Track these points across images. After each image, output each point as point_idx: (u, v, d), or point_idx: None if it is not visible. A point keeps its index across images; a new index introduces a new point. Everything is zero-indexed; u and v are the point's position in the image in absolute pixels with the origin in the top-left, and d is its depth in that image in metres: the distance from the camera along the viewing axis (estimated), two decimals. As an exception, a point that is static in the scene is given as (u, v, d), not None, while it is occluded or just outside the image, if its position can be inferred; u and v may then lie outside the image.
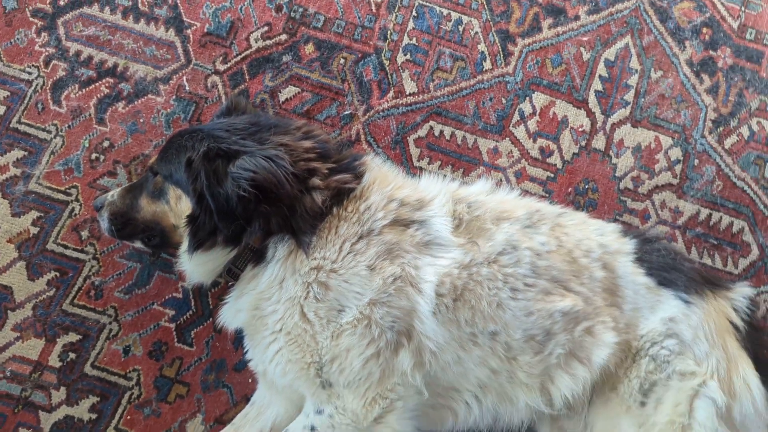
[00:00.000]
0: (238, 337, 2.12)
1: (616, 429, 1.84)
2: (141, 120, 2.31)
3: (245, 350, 1.96)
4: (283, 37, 2.43)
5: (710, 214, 2.45)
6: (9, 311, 2.09)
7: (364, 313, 1.69)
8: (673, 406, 1.78)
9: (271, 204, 1.70)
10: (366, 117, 2.41)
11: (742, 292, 1.97)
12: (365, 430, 1.73)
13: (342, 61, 2.44)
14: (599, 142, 2.48)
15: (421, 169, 2.27)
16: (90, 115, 2.30)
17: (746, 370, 1.84)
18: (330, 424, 1.73)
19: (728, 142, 2.51)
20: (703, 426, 1.75)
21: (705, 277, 1.99)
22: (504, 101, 2.47)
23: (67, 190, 2.22)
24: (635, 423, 1.81)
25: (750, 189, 2.48)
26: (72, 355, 2.07)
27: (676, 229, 2.41)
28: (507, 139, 2.44)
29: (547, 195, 2.37)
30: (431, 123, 2.42)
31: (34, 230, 2.17)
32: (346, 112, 2.40)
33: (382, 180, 1.88)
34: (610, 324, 1.83)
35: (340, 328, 1.70)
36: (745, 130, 2.53)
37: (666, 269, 1.92)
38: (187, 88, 2.36)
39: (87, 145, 2.27)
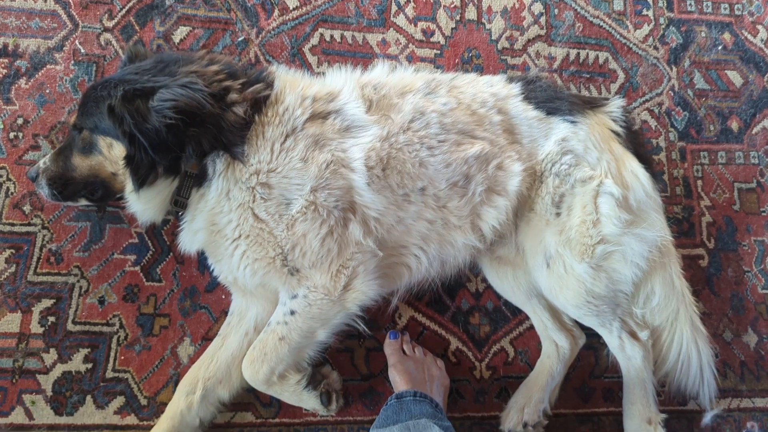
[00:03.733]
0: (201, 261, 2.26)
1: (541, 242, 2.11)
2: (47, 91, 2.35)
3: (211, 270, 2.10)
4: (161, -19, 2.51)
5: (578, 53, 2.77)
6: (-24, 297, 2.15)
7: (309, 200, 1.84)
8: (581, 208, 2.05)
9: (198, 126, 1.79)
10: (259, 39, 2.54)
11: (616, 104, 2.23)
12: (338, 299, 1.91)
13: (222, -8, 2.55)
14: (471, 13, 2.73)
15: (322, 73, 2.42)
16: (-5, 98, 2.32)
17: (632, 164, 2.13)
18: (306, 303, 1.91)
19: (578, -13, 2.84)
20: (608, 216, 2.03)
21: (583, 99, 2.26)
22: (379, -4, 2.67)
23: (-4, 173, 2.26)
24: (556, 231, 2.07)
25: (605, 23, 2.82)
26: (51, 319, 2.15)
27: (553, 73, 2.71)
28: (391, 29, 2.65)
29: (438, 70, 2.59)
30: (320, 30, 2.59)
31: (-25, 218, 2.21)
32: (240, 39, 2.52)
33: (292, 83, 2.01)
34: (515, 157, 2.06)
35: (292, 219, 1.85)
36: (589, -27, 2.85)
37: (550, 100, 2.16)
38: (82, 50, 2.41)
39: (1, 126, 2.29)
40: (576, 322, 2.33)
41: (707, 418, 2.37)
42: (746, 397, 2.46)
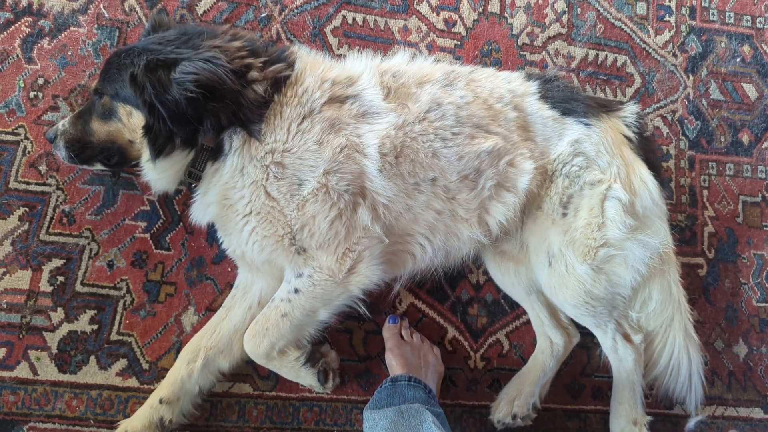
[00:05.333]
0: (210, 233, 2.30)
1: (546, 240, 2.15)
2: (69, 53, 2.36)
3: (220, 242, 2.12)
4: (188, -49, 2.50)
5: (597, 54, 2.77)
6: (-11, 251, 2.18)
7: (322, 182, 1.87)
8: (588, 210, 2.08)
9: (217, 101, 1.81)
10: (282, 16, 2.55)
11: (631, 109, 2.25)
12: (342, 281, 1.94)
13: (248, -34, 2.55)
14: (494, 6, 2.73)
15: (342, 56, 2.41)
16: (17, 56, 2.33)
17: (641, 171, 2.16)
18: (311, 283, 1.94)
19: (603, -12, 2.84)
20: (614, 221, 2.06)
21: (599, 102, 2.27)
22: (404, -18, 2.67)
23: (15, 131, 2.27)
24: (561, 231, 2.11)
25: (626, 26, 2.83)
26: (60, 279, 2.19)
27: (570, 72, 2.72)
28: (413, 16, 2.65)
29: (457, 61, 2.61)
30: (343, 12, 2.60)
31: (-8, 174, 2.24)
32: (263, 15, 2.53)
33: (313, 65, 2.02)
34: (527, 155, 2.09)
35: (303, 199, 1.88)
36: (615, -25, 2.86)
37: (566, 101, 2.18)
38: (106, 15, 2.41)
39: (22, 85, 2.31)
40: (572, 320, 2.37)
41: (691, 424, 2.43)
42: (731, 406, 2.51)
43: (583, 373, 2.45)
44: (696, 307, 2.56)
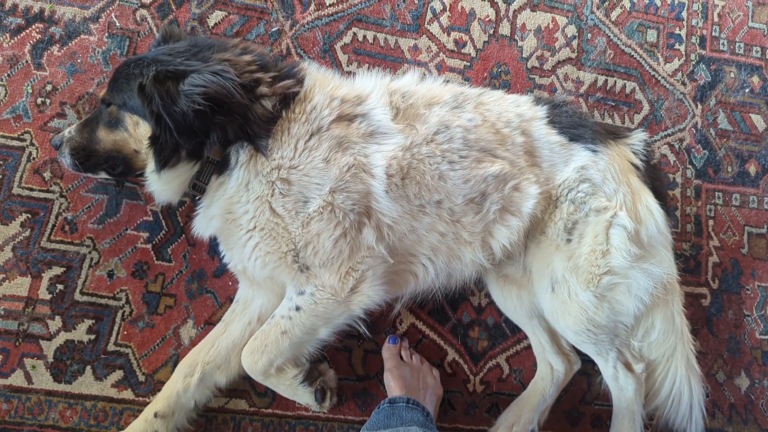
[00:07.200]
0: (212, 246, 2.28)
1: (549, 265, 2.13)
2: (79, 60, 2.36)
3: (221, 256, 2.11)
4: (201, -37, 2.51)
5: (606, 80, 2.78)
6: (-11, 257, 2.17)
7: (327, 201, 1.86)
8: (593, 237, 2.07)
9: (225, 115, 1.81)
10: (293, 31, 2.55)
11: (639, 137, 2.25)
12: (344, 300, 1.92)
13: (261, -20, 2.55)
14: (505, 29, 2.74)
15: (351, 73, 2.43)
16: (27, 61, 2.33)
17: (648, 200, 2.14)
18: (312, 301, 1.93)
19: (614, 15, 2.84)
20: (618, 248, 2.04)
21: (607, 129, 2.26)
22: (416, 1, 2.67)
23: (21, 136, 2.27)
24: (564, 257, 2.09)
25: (636, 53, 2.83)
26: (60, 287, 2.18)
27: (579, 97, 2.72)
28: (424, 36, 2.66)
29: (467, 82, 2.62)
30: (354, 30, 2.60)
31: (-5, 179, 2.23)
32: (274, 29, 2.53)
33: (322, 82, 2.02)
34: (533, 179, 2.08)
35: (308, 217, 1.86)
36: (626, 2, 2.87)
37: (574, 127, 2.18)
38: (117, 24, 2.42)
39: (30, 91, 2.31)
40: (573, 347, 2.35)
41: (691, 456, 2.40)
42: (731, 440, 2.49)
43: (583, 401, 2.42)
44: (698, 337, 2.53)
